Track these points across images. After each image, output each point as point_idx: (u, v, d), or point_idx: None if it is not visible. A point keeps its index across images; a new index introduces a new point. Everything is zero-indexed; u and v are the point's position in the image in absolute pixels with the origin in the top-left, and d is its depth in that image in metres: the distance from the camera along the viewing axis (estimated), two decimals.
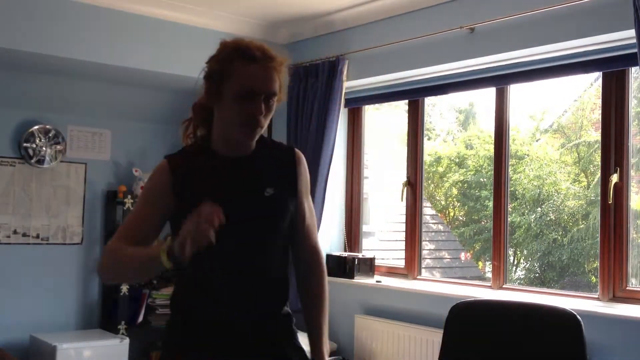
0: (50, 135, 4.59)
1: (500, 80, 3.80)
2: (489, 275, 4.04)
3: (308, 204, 1.99)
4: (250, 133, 1.81)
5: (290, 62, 1.89)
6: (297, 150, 2.01)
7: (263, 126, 1.81)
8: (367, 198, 5.91)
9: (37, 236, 4.59)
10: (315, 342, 2.00)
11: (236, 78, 1.76)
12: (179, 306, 1.91)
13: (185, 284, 1.90)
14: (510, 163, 3.98)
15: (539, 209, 6.56)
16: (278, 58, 1.82)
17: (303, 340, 2.01)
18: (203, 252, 1.69)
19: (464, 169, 7.38)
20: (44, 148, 4.56)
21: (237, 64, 1.77)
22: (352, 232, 4.72)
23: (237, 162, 1.86)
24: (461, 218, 7.90)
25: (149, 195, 1.86)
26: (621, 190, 3.30)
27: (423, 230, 4.38)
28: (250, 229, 1.83)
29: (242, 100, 1.76)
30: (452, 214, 8.08)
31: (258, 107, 1.77)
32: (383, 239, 7.17)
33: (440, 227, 8.00)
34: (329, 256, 4.46)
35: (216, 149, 1.87)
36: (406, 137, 4.42)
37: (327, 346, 1.99)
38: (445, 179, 7.57)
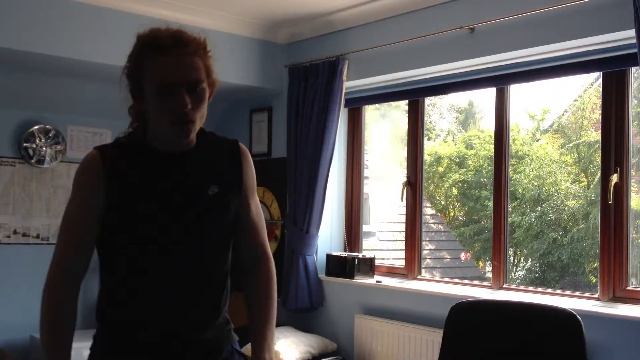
0: (50, 135, 4.59)
1: (500, 80, 3.80)
2: (489, 275, 4.03)
3: (254, 202, 1.86)
4: (180, 131, 1.63)
5: (208, 40, 1.69)
6: (241, 144, 1.86)
7: (194, 119, 1.63)
8: (367, 198, 5.91)
9: (37, 236, 4.59)
10: (255, 348, 1.80)
11: (150, 75, 1.60)
12: (103, 314, 1.81)
13: (113, 290, 1.76)
14: (510, 163, 3.98)
15: (539, 208, 6.56)
16: (194, 41, 1.63)
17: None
18: (138, 252, 1.67)
19: (464, 169, 7.38)
20: (44, 148, 4.56)
21: (148, 60, 1.60)
22: (352, 232, 4.72)
23: (177, 159, 1.70)
24: (461, 218, 7.90)
25: (83, 198, 1.69)
26: (621, 190, 3.30)
27: (423, 230, 4.38)
28: (192, 231, 1.70)
29: (162, 97, 1.60)
30: (452, 214, 8.08)
31: (181, 100, 1.59)
32: (383, 239, 7.17)
33: (440, 227, 8.00)
34: (328, 256, 4.46)
35: (154, 145, 1.71)
36: (406, 137, 4.42)
37: (270, 353, 1.79)
38: (445, 179, 7.57)
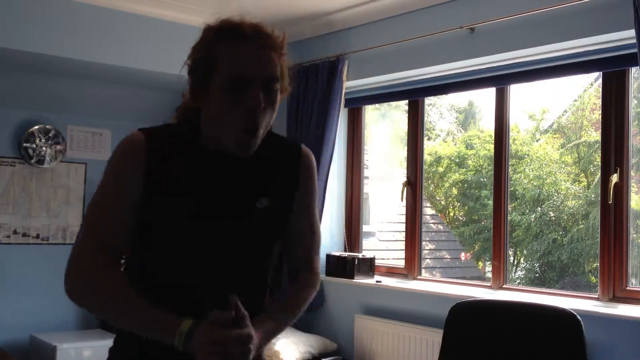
0: (50, 135, 4.59)
1: (500, 80, 3.80)
2: (489, 275, 4.03)
3: (308, 219, 1.63)
4: (246, 144, 1.43)
5: (287, 40, 1.50)
6: (304, 148, 1.61)
7: (261, 126, 1.43)
8: (367, 198, 5.91)
9: (37, 236, 4.59)
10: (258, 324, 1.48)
11: (224, 64, 1.40)
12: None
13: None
14: (510, 163, 3.98)
15: (539, 208, 6.56)
16: (275, 36, 1.45)
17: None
18: (168, 256, 1.47)
19: (464, 169, 7.38)
20: (44, 148, 4.56)
21: (223, 47, 1.41)
22: (352, 232, 4.72)
23: (229, 162, 1.48)
24: (461, 218, 7.90)
25: (118, 183, 1.46)
26: (621, 190, 3.30)
27: (423, 230, 4.38)
28: (235, 247, 1.50)
29: (233, 91, 1.39)
30: (452, 214, 8.08)
31: (255, 96, 1.39)
32: (383, 239, 7.17)
33: (440, 227, 8.00)
34: (329, 256, 4.46)
35: (206, 143, 1.49)
36: (406, 137, 4.42)
37: (262, 340, 1.50)
38: (445, 179, 7.57)
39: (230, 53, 1.40)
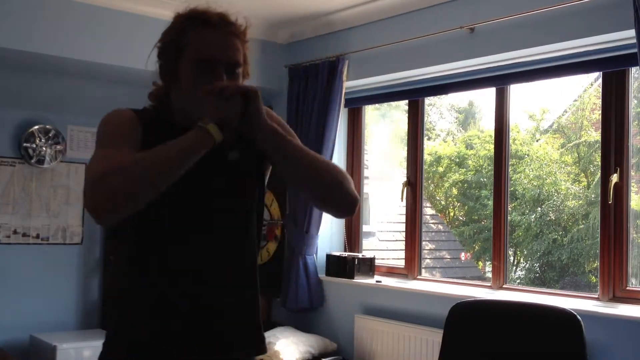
0: (50, 135, 4.59)
1: (500, 80, 3.80)
2: (489, 275, 4.04)
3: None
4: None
5: (248, 28, 1.62)
6: (268, 109, 1.65)
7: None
8: (367, 198, 5.91)
9: (37, 236, 4.59)
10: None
11: (192, 48, 1.53)
12: (116, 320, 1.58)
13: (124, 289, 1.56)
14: (510, 163, 3.98)
15: (539, 208, 6.56)
16: (237, 24, 1.59)
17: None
18: (155, 227, 1.50)
19: (464, 169, 7.38)
20: (44, 148, 4.56)
21: (192, 33, 1.54)
22: (352, 232, 4.72)
23: None
24: (461, 218, 7.90)
25: (123, 132, 1.52)
26: (621, 190, 3.30)
27: (423, 230, 4.38)
28: (218, 207, 1.56)
29: (200, 73, 1.51)
30: (452, 214, 8.08)
31: (219, 77, 1.51)
32: (383, 239, 7.17)
33: (440, 227, 8.00)
34: (329, 256, 4.46)
35: (177, 120, 1.59)
36: (406, 137, 4.42)
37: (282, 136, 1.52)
38: (445, 179, 7.57)
39: (197, 38, 1.53)
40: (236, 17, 1.60)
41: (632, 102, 3.40)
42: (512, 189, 6.20)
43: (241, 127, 1.47)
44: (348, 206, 1.56)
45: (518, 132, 6.90)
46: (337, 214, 1.62)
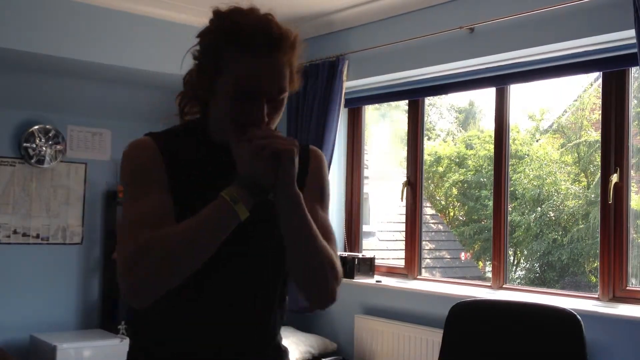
0: (50, 135, 4.59)
1: (500, 80, 3.80)
2: (489, 275, 4.04)
3: (320, 214, 1.47)
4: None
5: (299, 36, 1.45)
6: (314, 148, 1.55)
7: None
8: (367, 198, 5.91)
9: (37, 236, 4.59)
10: None
11: (229, 75, 1.34)
12: (141, 338, 1.49)
13: (151, 310, 1.42)
14: (510, 163, 3.98)
15: (539, 208, 6.56)
16: (287, 40, 1.38)
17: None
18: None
19: (464, 169, 7.38)
20: (44, 148, 4.56)
21: (230, 56, 1.34)
22: (352, 232, 4.72)
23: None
24: (461, 218, 7.90)
25: (146, 175, 1.38)
26: (621, 190, 3.30)
27: (423, 230, 4.38)
28: (248, 235, 1.40)
29: (237, 100, 1.35)
30: (452, 213, 8.08)
31: (258, 110, 1.34)
32: (383, 239, 7.17)
33: (440, 227, 8.00)
34: None
35: (212, 134, 1.45)
36: (406, 137, 4.42)
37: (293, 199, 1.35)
38: (445, 179, 7.57)
39: (234, 65, 1.34)
40: (283, 28, 1.38)
41: (632, 102, 3.40)
42: (512, 189, 6.20)
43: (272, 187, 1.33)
44: (322, 306, 1.46)
45: (518, 132, 6.90)
46: (309, 304, 1.49)
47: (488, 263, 6.84)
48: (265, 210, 1.38)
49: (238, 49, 1.33)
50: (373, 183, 6.56)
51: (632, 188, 3.38)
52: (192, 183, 1.39)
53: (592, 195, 6.04)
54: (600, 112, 3.49)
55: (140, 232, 1.28)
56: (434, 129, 8.65)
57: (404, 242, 4.40)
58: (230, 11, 1.39)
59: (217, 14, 1.41)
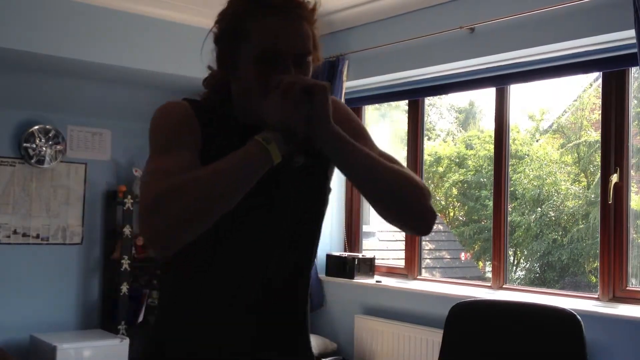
0: (50, 135, 4.59)
1: (500, 80, 3.80)
2: (489, 275, 4.04)
3: (372, 147, 1.39)
4: None
5: (318, 5, 1.39)
6: (333, 97, 1.42)
7: None
8: None
9: (37, 236, 4.59)
10: None
11: (253, 38, 1.30)
12: (159, 334, 1.43)
13: (171, 302, 1.41)
14: (510, 163, 3.99)
15: (539, 209, 6.56)
16: (305, 4, 1.35)
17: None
18: (213, 238, 1.31)
19: (464, 169, 7.38)
20: (44, 148, 4.56)
21: (253, 19, 1.31)
22: (352, 232, 4.72)
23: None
24: (461, 218, 7.91)
25: (179, 133, 1.31)
26: (621, 190, 3.30)
27: None
28: (279, 209, 1.36)
29: (263, 65, 1.30)
30: (452, 214, 8.08)
31: (286, 70, 1.29)
32: (383, 239, 7.17)
33: (440, 227, 8.00)
34: (329, 256, 4.46)
35: (237, 114, 1.40)
36: (406, 137, 4.42)
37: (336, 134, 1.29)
38: (445, 179, 7.57)
39: (259, 26, 1.30)
40: None
41: (632, 102, 3.41)
42: (512, 189, 6.20)
43: (306, 131, 1.26)
44: (425, 225, 1.36)
45: (518, 132, 6.90)
46: (411, 231, 1.42)
47: (488, 263, 6.84)
48: (292, 184, 1.35)
49: (259, 12, 1.30)
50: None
51: (632, 188, 3.38)
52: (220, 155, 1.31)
53: (592, 196, 6.04)
54: (600, 112, 3.49)
55: (168, 177, 1.20)
56: (434, 129, 8.65)
57: (404, 242, 4.40)
58: None
59: None
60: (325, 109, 1.25)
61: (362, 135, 1.41)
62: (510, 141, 4.01)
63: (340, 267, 4.36)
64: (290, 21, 1.31)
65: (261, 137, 1.22)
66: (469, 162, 7.37)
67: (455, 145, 7.98)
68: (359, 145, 1.29)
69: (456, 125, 8.78)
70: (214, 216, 1.20)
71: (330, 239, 4.67)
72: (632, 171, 3.38)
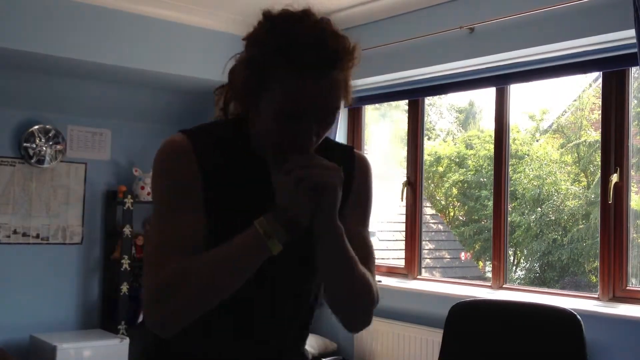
0: (50, 135, 4.59)
1: (500, 80, 3.80)
2: (489, 275, 4.04)
3: (362, 231, 1.39)
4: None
5: (358, 47, 1.25)
6: (358, 152, 1.43)
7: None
8: None
9: (37, 236, 4.59)
10: None
11: (275, 91, 1.19)
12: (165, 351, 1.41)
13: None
14: (510, 163, 3.98)
15: (539, 209, 6.57)
16: (343, 55, 1.20)
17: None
18: None
19: (464, 169, 7.38)
20: (44, 148, 4.56)
21: (279, 73, 1.18)
22: None
23: None
24: (461, 218, 7.91)
25: (180, 192, 1.27)
26: (621, 190, 3.30)
27: (423, 230, 4.38)
28: (285, 260, 1.28)
29: (284, 121, 1.21)
30: (452, 213, 8.08)
31: (304, 134, 1.21)
32: (383, 238, 7.17)
33: (440, 227, 8.00)
34: None
35: (254, 146, 1.32)
36: (406, 137, 4.42)
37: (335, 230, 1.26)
38: (445, 179, 7.57)
39: (282, 82, 1.18)
40: (337, 34, 1.22)
41: (632, 102, 3.40)
42: (512, 189, 6.20)
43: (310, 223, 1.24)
44: (357, 330, 1.44)
45: (518, 132, 6.90)
46: (346, 329, 1.43)
47: (488, 263, 6.84)
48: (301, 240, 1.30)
49: (286, 66, 1.17)
50: (373, 183, 6.56)
51: (632, 188, 3.38)
52: (228, 197, 1.29)
53: (592, 195, 6.05)
54: (600, 112, 3.49)
55: (167, 260, 1.22)
56: (434, 129, 8.65)
57: (404, 242, 4.40)
58: (281, 16, 1.23)
59: (267, 17, 1.24)
60: (331, 211, 1.22)
61: (363, 213, 1.41)
62: (510, 141, 4.01)
63: None
64: (318, 80, 1.18)
65: (262, 229, 1.19)
66: (469, 162, 7.37)
67: (455, 145, 7.98)
68: (350, 252, 1.27)
69: (456, 125, 8.78)
70: (214, 304, 1.24)
71: None
72: (632, 171, 3.38)
